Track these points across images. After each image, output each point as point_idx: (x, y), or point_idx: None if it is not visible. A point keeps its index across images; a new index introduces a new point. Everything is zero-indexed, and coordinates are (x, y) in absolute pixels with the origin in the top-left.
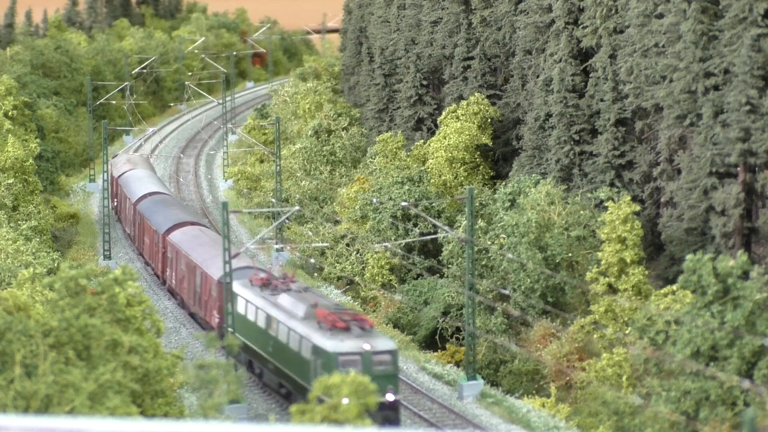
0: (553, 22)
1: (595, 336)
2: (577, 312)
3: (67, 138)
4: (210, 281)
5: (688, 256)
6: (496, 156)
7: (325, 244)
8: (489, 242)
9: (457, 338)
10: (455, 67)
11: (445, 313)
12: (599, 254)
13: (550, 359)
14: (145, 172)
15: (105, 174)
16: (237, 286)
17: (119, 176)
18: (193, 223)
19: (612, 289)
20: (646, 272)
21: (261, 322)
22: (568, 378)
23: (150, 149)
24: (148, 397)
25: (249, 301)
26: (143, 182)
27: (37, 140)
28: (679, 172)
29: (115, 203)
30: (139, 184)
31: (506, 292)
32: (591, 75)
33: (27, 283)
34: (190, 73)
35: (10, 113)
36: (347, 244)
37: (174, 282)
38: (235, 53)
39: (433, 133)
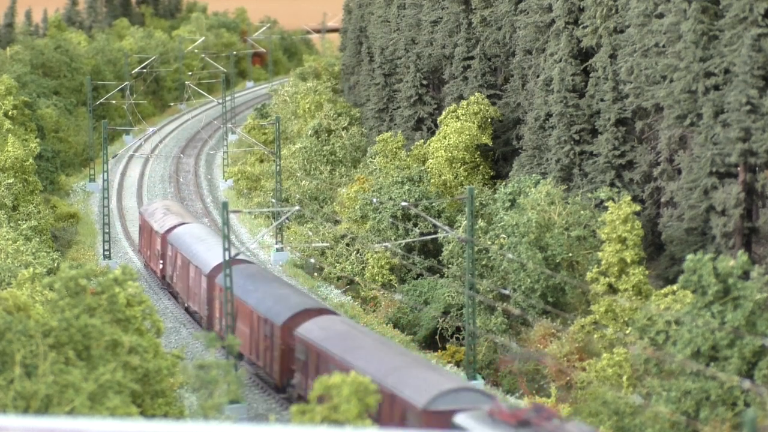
0: (553, 21)
1: (595, 336)
2: (577, 312)
3: (67, 138)
4: (407, 409)
5: (689, 256)
6: (496, 156)
7: (325, 244)
8: (489, 242)
9: (458, 338)
10: (455, 66)
11: (445, 313)
12: (599, 254)
13: (551, 359)
14: (202, 229)
15: (105, 174)
16: (469, 422)
17: (167, 232)
18: (322, 311)
19: (612, 289)
20: (647, 272)
21: None
22: (568, 378)
23: (150, 149)
24: (148, 397)
25: None
26: (209, 244)
27: (37, 140)
28: (679, 172)
29: (162, 265)
30: (205, 247)
31: (506, 292)
32: (591, 75)
33: (27, 283)
34: (190, 73)
35: (10, 113)
36: (347, 244)
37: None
38: (235, 53)
39: (433, 133)
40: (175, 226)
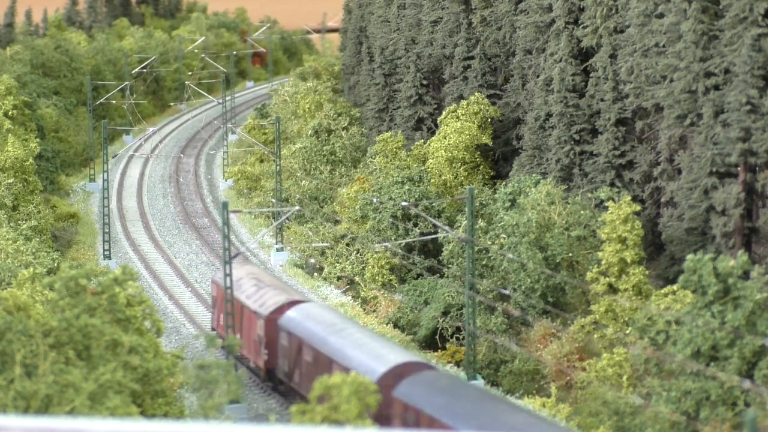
0: (553, 21)
1: (595, 336)
2: (577, 312)
3: (67, 138)
4: None
5: (689, 256)
6: (496, 156)
7: (325, 244)
8: (489, 242)
9: (458, 338)
10: (455, 66)
11: (445, 313)
12: (599, 254)
13: (551, 359)
14: (330, 313)
15: (105, 174)
16: None
17: (275, 314)
18: None
19: (612, 289)
20: (647, 272)
21: None
22: (568, 378)
23: (150, 149)
24: (148, 397)
25: None
26: (357, 338)
27: (37, 140)
28: (679, 171)
29: (267, 357)
30: (353, 342)
31: (506, 292)
32: (591, 75)
33: (27, 283)
34: (190, 73)
35: (10, 113)
36: (347, 244)
37: None
38: (235, 53)
39: (433, 133)
40: (283, 306)
